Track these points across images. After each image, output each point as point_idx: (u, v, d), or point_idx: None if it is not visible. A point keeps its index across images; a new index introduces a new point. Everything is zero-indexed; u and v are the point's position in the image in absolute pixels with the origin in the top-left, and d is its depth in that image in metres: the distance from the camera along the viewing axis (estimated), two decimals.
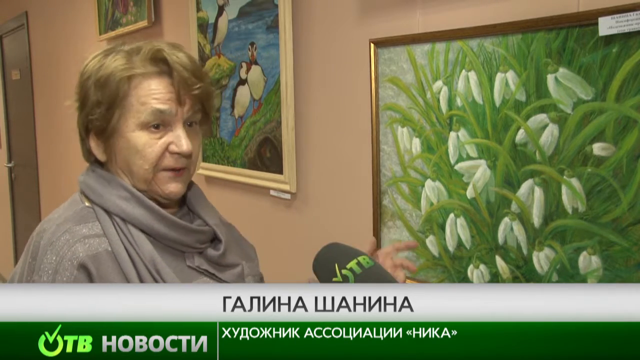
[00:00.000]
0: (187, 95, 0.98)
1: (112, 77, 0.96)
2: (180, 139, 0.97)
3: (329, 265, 0.78)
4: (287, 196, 1.83)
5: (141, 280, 0.95)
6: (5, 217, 5.43)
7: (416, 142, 1.36)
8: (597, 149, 1.02)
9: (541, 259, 1.13)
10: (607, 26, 0.97)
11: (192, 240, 1.03)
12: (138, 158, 0.97)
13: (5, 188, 5.41)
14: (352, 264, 0.76)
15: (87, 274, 0.93)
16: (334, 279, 0.76)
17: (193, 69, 0.99)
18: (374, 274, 0.75)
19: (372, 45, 1.44)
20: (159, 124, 0.97)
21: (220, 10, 2.06)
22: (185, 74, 0.97)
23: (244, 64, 1.97)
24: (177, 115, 0.97)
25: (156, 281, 0.97)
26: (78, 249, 0.94)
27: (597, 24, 0.99)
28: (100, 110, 0.97)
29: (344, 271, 0.76)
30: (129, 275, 0.95)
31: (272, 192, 1.89)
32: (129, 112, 0.96)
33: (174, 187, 1.00)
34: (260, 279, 1.20)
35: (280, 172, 1.82)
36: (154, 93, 0.96)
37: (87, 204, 1.02)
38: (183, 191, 1.02)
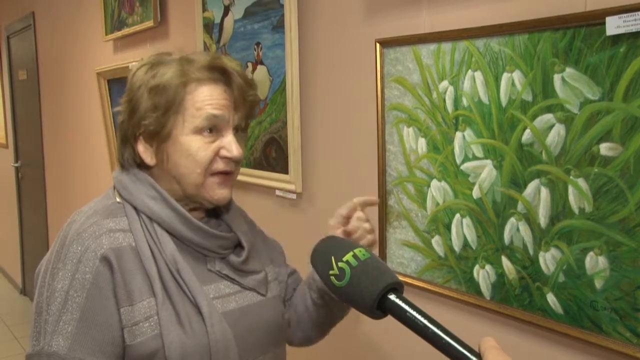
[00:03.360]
0: (242, 101, 1.03)
1: (170, 83, 0.99)
2: (231, 145, 1.01)
3: (325, 258, 0.78)
4: (293, 196, 1.84)
5: (161, 277, 0.98)
6: (12, 217, 5.46)
7: (422, 142, 1.36)
8: (604, 149, 1.02)
9: (547, 260, 1.12)
10: (614, 25, 0.97)
11: (214, 245, 1.05)
12: (190, 161, 1.00)
13: (12, 188, 5.44)
14: (348, 257, 0.76)
15: (108, 266, 0.95)
16: (331, 272, 0.76)
17: (246, 76, 1.04)
18: (370, 266, 0.75)
19: (377, 45, 1.44)
20: (211, 129, 1.00)
21: (226, 10, 2.06)
22: (241, 81, 1.02)
23: (249, 64, 1.97)
24: (229, 121, 1.02)
25: (176, 280, 0.99)
26: (103, 241, 0.97)
27: (604, 23, 0.98)
28: (157, 115, 1.00)
29: (340, 264, 0.76)
30: (150, 272, 0.97)
31: (277, 192, 1.89)
32: (183, 117, 1.00)
33: (222, 193, 1.03)
34: (285, 284, 1.22)
35: (286, 172, 1.83)
36: (208, 99, 1.00)
37: (118, 199, 1.05)
38: (230, 196, 1.06)
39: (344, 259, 0.76)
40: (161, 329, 0.95)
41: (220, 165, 1.01)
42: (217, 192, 1.03)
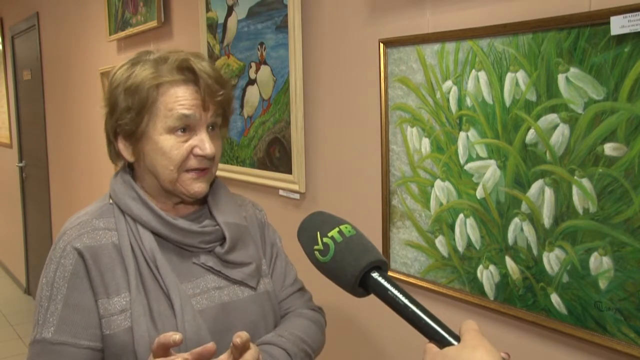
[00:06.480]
0: (212, 101, 1.05)
1: (142, 84, 1.03)
2: (204, 143, 1.04)
3: (311, 233, 0.78)
4: (296, 196, 1.84)
5: (140, 273, 1.03)
6: (17, 217, 5.47)
7: (425, 142, 1.36)
8: (609, 149, 1.01)
9: (552, 260, 1.12)
10: (619, 25, 0.97)
11: (196, 242, 1.08)
12: (164, 159, 1.04)
13: (16, 187, 5.45)
14: (334, 232, 0.76)
15: (83, 261, 1.02)
16: (315, 247, 0.76)
17: (216, 76, 1.06)
18: (355, 243, 0.75)
19: (381, 45, 1.44)
20: (184, 128, 1.04)
21: (230, 10, 2.07)
22: (209, 82, 1.04)
23: (253, 64, 1.97)
24: (201, 119, 1.05)
25: (154, 276, 1.03)
26: (83, 238, 1.04)
27: (608, 23, 0.98)
28: (131, 115, 1.03)
29: (325, 239, 0.75)
30: (128, 266, 1.03)
31: (281, 192, 1.89)
32: (156, 117, 1.03)
33: (198, 187, 1.07)
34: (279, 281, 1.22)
35: (289, 172, 1.83)
36: (180, 99, 1.03)
37: (110, 201, 1.11)
38: (206, 190, 1.09)
39: (329, 234, 0.76)
40: (132, 323, 0.99)
41: (193, 163, 1.05)
42: (193, 187, 1.06)
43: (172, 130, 1.03)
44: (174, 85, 1.03)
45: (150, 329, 0.99)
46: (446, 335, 0.65)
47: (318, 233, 0.76)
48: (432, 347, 0.65)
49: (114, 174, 1.13)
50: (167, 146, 1.03)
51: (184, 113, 1.02)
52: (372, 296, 0.73)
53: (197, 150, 1.04)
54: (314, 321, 1.19)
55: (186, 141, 1.04)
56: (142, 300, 1.01)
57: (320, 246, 0.75)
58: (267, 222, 1.26)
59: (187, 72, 1.04)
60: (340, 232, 0.76)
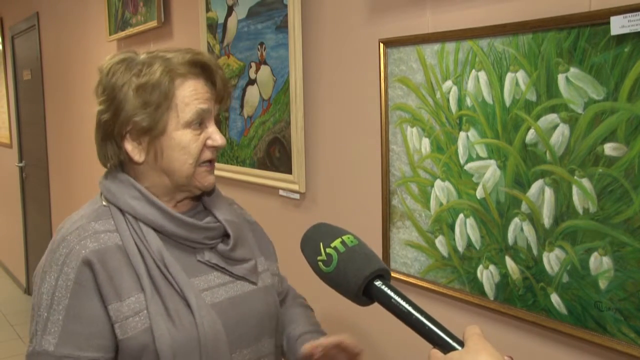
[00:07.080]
0: (224, 94, 1.09)
1: (161, 79, 1.02)
2: (215, 134, 1.07)
3: (314, 244, 0.80)
4: (296, 196, 1.84)
5: (149, 273, 1.01)
6: (17, 216, 5.47)
7: (425, 142, 1.36)
8: (609, 149, 1.02)
9: (552, 260, 1.12)
10: (619, 25, 0.97)
11: (201, 237, 1.08)
12: (183, 154, 1.04)
13: (16, 187, 5.45)
14: (337, 243, 0.77)
15: (90, 268, 0.99)
16: (319, 258, 0.77)
17: (223, 70, 1.10)
18: (358, 253, 0.76)
19: (381, 45, 1.44)
20: (200, 122, 1.05)
21: (230, 10, 2.07)
22: (222, 74, 1.08)
23: (253, 64, 1.97)
24: (212, 112, 1.07)
25: (164, 275, 1.02)
26: (87, 243, 1.00)
27: (608, 23, 0.98)
28: (148, 111, 1.02)
29: (328, 250, 0.77)
30: (138, 268, 1.01)
31: (281, 192, 1.89)
32: (173, 112, 1.03)
33: (211, 179, 1.10)
34: (279, 279, 1.25)
35: (289, 172, 1.83)
36: (195, 94, 1.04)
37: (104, 203, 1.08)
38: (215, 182, 1.12)
39: (332, 245, 0.77)
40: (151, 323, 0.98)
41: (208, 155, 1.07)
42: (207, 179, 1.08)
43: (188, 125, 1.04)
44: (188, 79, 1.04)
45: (169, 327, 0.98)
46: (450, 341, 0.66)
47: (321, 244, 0.78)
48: (436, 353, 0.66)
49: (104, 176, 1.10)
50: (185, 140, 1.03)
51: (202, 107, 1.04)
52: (375, 303, 0.74)
53: (210, 142, 1.06)
54: (311, 309, 1.30)
55: (200, 134, 1.05)
56: (157, 299, 1.00)
57: (324, 257, 0.77)
58: (255, 221, 1.27)
59: (197, 67, 1.05)
60: (342, 242, 0.77)
